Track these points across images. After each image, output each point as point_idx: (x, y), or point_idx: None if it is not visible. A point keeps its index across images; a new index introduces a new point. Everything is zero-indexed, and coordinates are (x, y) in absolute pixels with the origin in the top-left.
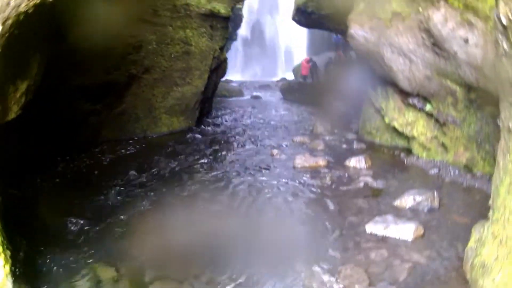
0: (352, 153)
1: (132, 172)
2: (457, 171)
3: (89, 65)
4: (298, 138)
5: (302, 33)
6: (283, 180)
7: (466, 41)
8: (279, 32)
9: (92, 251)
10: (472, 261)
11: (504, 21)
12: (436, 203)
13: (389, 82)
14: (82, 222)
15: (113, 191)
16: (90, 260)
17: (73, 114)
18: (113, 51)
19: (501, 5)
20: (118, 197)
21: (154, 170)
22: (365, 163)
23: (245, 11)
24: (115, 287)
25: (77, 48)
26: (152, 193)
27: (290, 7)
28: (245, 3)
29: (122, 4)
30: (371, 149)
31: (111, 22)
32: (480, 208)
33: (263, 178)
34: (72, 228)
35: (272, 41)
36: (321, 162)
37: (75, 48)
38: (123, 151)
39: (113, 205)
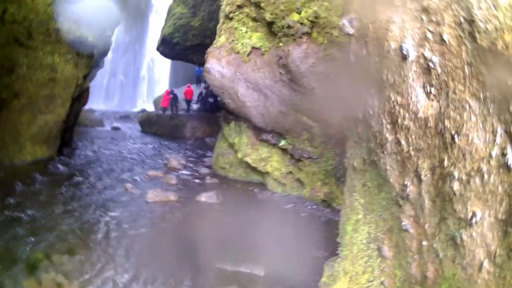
0: (205, 188)
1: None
2: (314, 206)
3: None
4: (152, 172)
5: (166, 65)
6: (134, 217)
7: (327, 76)
8: (144, 62)
9: None
10: None
11: (352, 58)
12: (292, 238)
13: (243, 118)
14: None
15: None
16: None
17: None
18: None
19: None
20: None
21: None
22: (217, 198)
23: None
24: None
25: None
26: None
27: (157, 37)
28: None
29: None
30: (224, 184)
31: None
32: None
33: (115, 214)
34: None
35: (135, 72)
36: (173, 197)
37: None
38: None
39: None
